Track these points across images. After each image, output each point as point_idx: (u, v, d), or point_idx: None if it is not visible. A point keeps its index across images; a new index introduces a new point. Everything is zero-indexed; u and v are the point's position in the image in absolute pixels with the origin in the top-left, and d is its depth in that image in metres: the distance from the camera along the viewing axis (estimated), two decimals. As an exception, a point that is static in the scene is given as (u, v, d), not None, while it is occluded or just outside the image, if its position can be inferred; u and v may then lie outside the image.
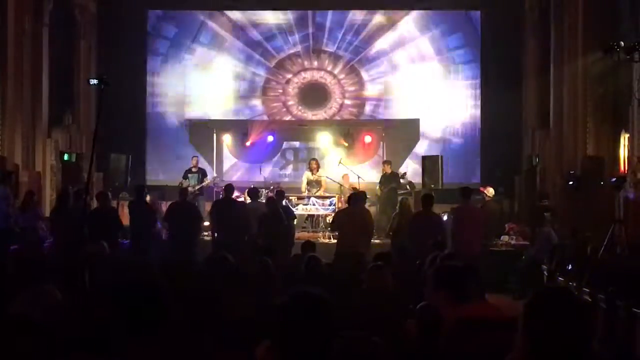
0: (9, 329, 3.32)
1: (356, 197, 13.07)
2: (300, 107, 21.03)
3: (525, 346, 2.96)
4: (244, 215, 13.60)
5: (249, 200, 14.87)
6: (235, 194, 15.43)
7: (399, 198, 15.28)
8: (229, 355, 3.97)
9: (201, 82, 21.03)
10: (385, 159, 18.66)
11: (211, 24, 20.99)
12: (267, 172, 19.66)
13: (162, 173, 20.62)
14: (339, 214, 13.73)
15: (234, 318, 4.87)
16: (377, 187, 17.43)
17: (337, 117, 20.92)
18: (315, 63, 20.95)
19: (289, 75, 20.98)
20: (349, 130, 20.04)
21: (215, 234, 13.83)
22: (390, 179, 17.34)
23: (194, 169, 17.72)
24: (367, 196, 16.37)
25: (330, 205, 16.73)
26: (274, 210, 13.48)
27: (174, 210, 13.91)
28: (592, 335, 2.99)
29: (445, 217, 16.48)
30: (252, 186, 15.81)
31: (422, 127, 20.55)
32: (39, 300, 3.68)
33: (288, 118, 21.04)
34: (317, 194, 17.34)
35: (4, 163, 15.21)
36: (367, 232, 12.72)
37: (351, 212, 12.69)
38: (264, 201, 14.44)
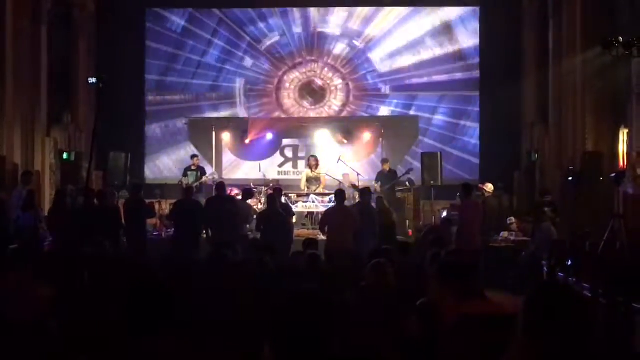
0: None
1: (341, 194, 13.18)
2: (299, 105, 21.02)
3: (525, 342, 2.97)
4: (236, 213, 13.58)
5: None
6: (235, 192, 15.53)
7: (378, 198, 15.26)
8: (230, 354, 3.98)
9: (200, 80, 21.03)
10: (384, 156, 18.65)
11: (209, 21, 20.98)
12: (266, 169, 19.65)
13: (161, 171, 20.63)
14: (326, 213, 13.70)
15: (234, 317, 4.88)
16: (375, 184, 17.40)
17: (336, 115, 20.91)
18: (314, 60, 20.93)
19: (288, 73, 20.98)
20: (347, 128, 20.04)
21: (209, 232, 13.77)
22: (390, 178, 17.35)
23: (193, 167, 17.74)
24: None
25: (329, 202, 16.70)
26: (272, 208, 13.49)
27: (179, 209, 13.87)
28: (591, 330, 2.99)
29: (444, 213, 16.57)
30: (251, 186, 15.92)
31: (421, 124, 20.54)
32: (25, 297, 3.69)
33: (287, 116, 21.03)
34: (317, 191, 17.35)
35: (6, 163, 15.24)
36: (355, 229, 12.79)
37: (339, 210, 12.79)
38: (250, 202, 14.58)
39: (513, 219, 15.69)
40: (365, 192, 13.62)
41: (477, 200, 14.05)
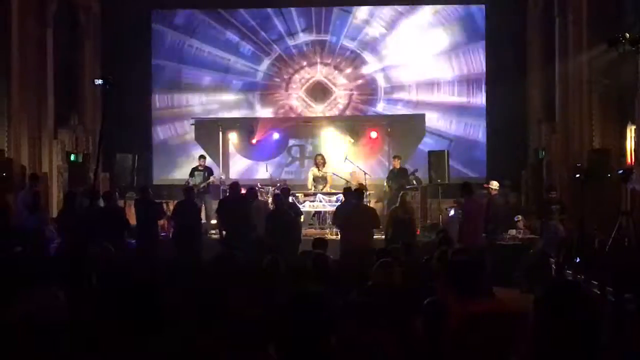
0: (12, 330, 3.33)
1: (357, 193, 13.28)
2: (305, 104, 21.01)
3: (536, 341, 2.95)
4: (250, 213, 13.64)
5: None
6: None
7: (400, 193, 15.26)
8: (239, 355, 3.97)
9: (206, 80, 21.04)
10: (391, 155, 18.63)
11: (215, 22, 20.99)
12: (273, 169, 19.64)
13: (168, 172, 20.66)
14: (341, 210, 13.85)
15: (241, 317, 4.87)
16: (385, 183, 17.43)
17: (342, 114, 20.88)
18: (320, 59, 20.92)
19: (294, 72, 20.97)
20: (354, 127, 20.02)
21: (223, 232, 13.90)
22: (400, 175, 17.32)
23: (200, 167, 17.73)
24: (371, 192, 16.72)
25: (336, 201, 16.70)
26: (279, 208, 13.52)
27: (179, 210, 13.97)
28: (600, 328, 2.98)
29: (452, 212, 16.55)
30: (258, 186, 15.97)
31: (428, 122, 20.50)
32: (41, 301, 3.69)
33: (293, 115, 21.02)
34: (324, 190, 17.35)
35: (13, 165, 15.28)
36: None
37: (355, 208, 12.86)
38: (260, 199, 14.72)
39: (520, 217, 15.67)
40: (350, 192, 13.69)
41: (480, 199, 14.11)
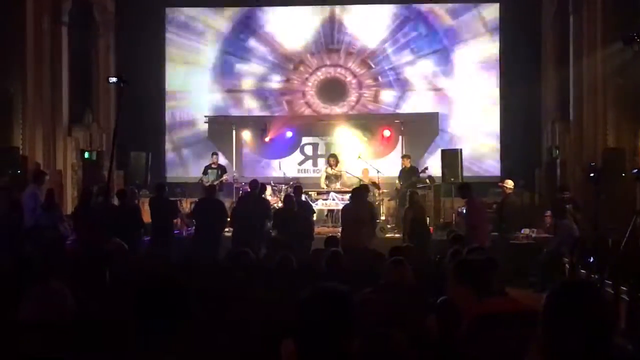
0: (19, 328, 3.34)
1: (357, 192, 13.31)
2: (318, 102, 20.99)
3: (547, 341, 2.94)
4: (267, 211, 13.70)
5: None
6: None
7: (408, 191, 15.23)
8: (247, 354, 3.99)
9: (219, 78, 21.05)
10: (404, 153, 18.59)
11: (228, 19, 21.00)
12: (286, 167, 19.65)
13: (181, 170, 20.70)
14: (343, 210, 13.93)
15: (254, 315, 4.88)
16: (397, 182, 17.42)
17: (356, 112, 20.86)
18: (333, 57, 20.90)
19: (307, 70, 20.95)
20: (367, 125, 20.01)
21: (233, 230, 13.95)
22: (410, 173, 17.31)
23: (213, 165, 17.78)
24: (384, 190, 16.69)
25: (350, 200, 16.70)
26: (289, 207, 13.55)
27: (201, 207, 13.97)
28: (613, 328, 2.97)
29: (464, 210, 16.55)
30: (272, 184, 15.97)
31: (441, 121, 20.45)
32: (49, 298, 3.70)
33: (307, 113, 21.01)
34: (338, 187, 17.36)
35: (28, 162, 15.34)
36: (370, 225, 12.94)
37: (354, 207, 12.89)
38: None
39: (549, 212, 15.60)
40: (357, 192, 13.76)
41: (480, 199, 14.16)
